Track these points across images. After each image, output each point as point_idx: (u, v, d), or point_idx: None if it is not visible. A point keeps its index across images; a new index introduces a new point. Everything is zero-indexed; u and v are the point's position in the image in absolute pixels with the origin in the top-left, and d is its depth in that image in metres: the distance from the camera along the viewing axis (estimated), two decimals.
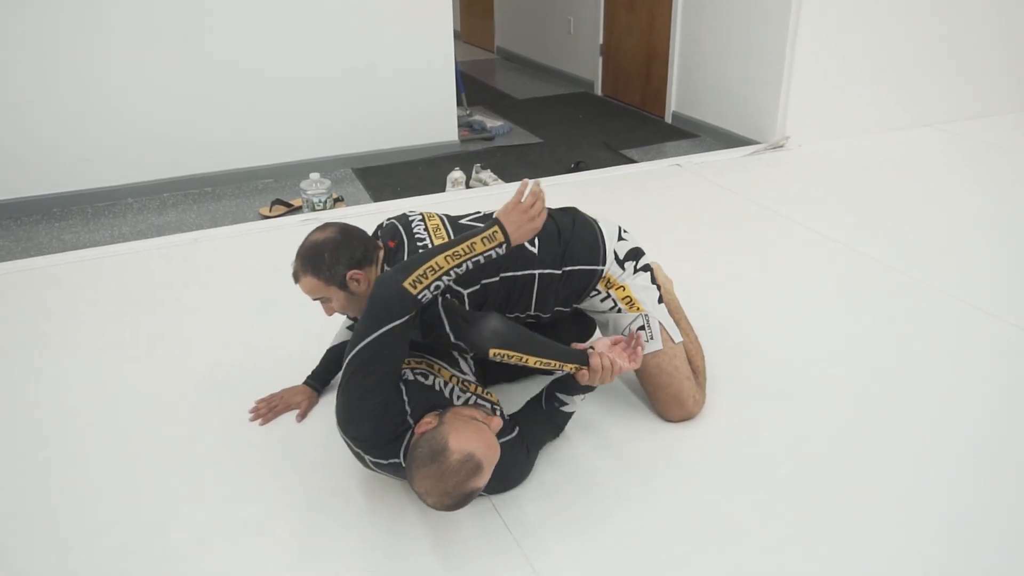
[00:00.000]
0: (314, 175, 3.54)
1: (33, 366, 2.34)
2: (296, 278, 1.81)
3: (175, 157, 3.84)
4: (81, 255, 3.08)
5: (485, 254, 1.63)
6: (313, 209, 3.50)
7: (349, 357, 1.59)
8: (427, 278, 1.56)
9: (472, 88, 5.88)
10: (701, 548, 1.65)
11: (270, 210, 3.60)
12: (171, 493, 1.82)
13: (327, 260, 1.78)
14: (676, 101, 4.94)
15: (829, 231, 3.19)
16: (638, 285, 1.96)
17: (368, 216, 3.41)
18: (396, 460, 1.62)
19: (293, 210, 3.61)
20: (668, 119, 5.01)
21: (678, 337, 2.01)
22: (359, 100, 4.11)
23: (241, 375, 2.27)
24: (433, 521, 1.73)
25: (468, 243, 1.62)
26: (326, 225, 1.84)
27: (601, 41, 5.63)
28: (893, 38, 4.28)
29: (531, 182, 1.71)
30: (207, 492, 1.82)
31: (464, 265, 1.61)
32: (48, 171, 3.63)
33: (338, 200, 3.64)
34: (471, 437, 1.50)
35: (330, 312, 1.86)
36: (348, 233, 1.82)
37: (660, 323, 1.96)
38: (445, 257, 1.59)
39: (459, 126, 4.52)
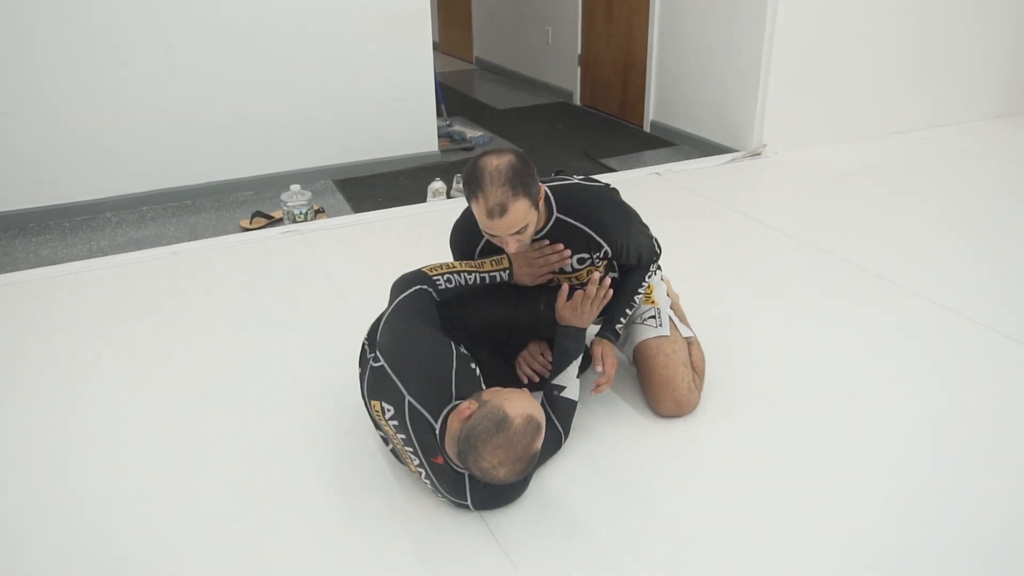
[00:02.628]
0: (295, 187, 3.53)
1: (12, 382, 2.31)
2: (501, 210, 1.70)
3: (154, 170, 3.82)
4: (59, 270, 3.05)
5: (491, 272, 1.96)
6: (294, 221, 3.49)
7: (391, 309, 1.84)
8: (442, 269, 1.93)
9: (452, 99, 5.90)
10: (688, 555, 1.66)
11: (251, 222, 3.58)
12: (155, 506, 1.81)
13: (530, 176, 1.74)
14: (654, 110, 4.98)
15: (807, 237, 3.22)
16: (656, 285, 2.23)
17: (350, 227, 3.41)
18: (430, 420, 1.67)
19: (274, 222, 3.60)
20: (647, 128, 5.05)
21: (687, 333, 2.19)
22: (339, 112, 4.11)
23: (224, 388, 2.26)
24: (418, 530, 1.73)
25: (481, 261, 1.98)
26: (493, 151, 1.79)
27: (579, 51, 5.67)
28: (867, 48, 4.35)
29: (547, 250, 1.94)
30: (192, 505, 1.81)
31: (474, 275, 1.94)
32: (24, 185, 3.59)
33: (319, 211, 3.64)
34: (522, 401, 1.60)
35: (518, 245, 1.79)
36: (520, 153, 1.79)
37: (669, 317, 2.14)
38: (463, 263, 1.97)
39: (439, 137, 4.53)
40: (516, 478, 1.58)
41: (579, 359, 1.94)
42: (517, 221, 1.72)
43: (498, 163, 1.72)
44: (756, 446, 1.99)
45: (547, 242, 1.95)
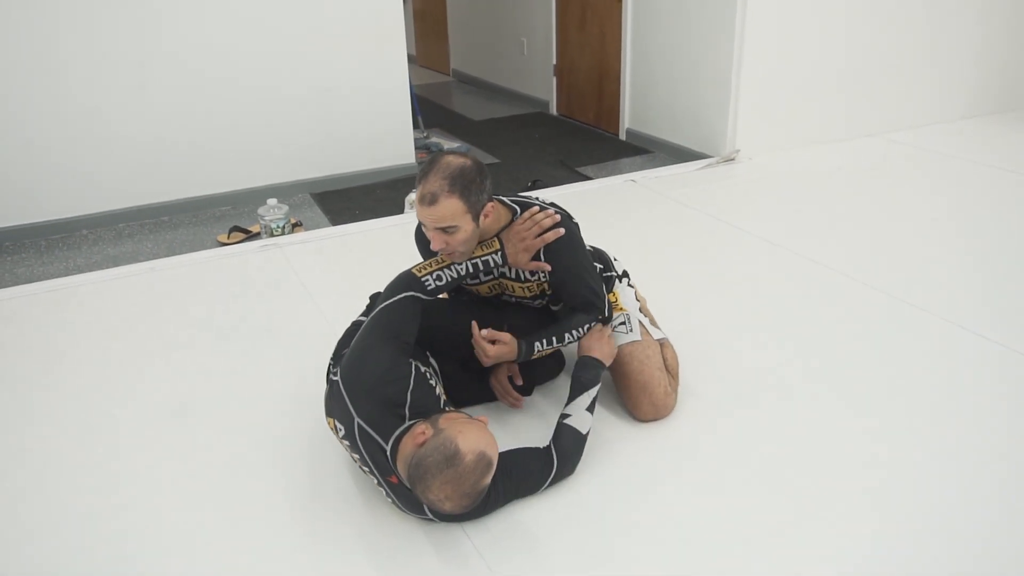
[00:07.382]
0: (272, 201, 3.53)
1: None
2: (431, 199, 1.72)
3: (130, 186, 3.81)
4: (35, 288, 3.03)
5: (483, 257, 1.90)
6: (272, 235, 3.49)
7: (371, 316, 1.81)
8: (431, 267, 1.88)
9: (428, 111, 5.92)
10: (662, 558, 1.68)
11: (228, 237, 3.58)
12: (129, 519, 1.81)
13: (477, 185, 1.75)
14: (629, 118, 5.03)
15: (781, 240, 3.27)
16: (623, 292, 2.23)
17: (328, 240, 3.41)
18: (382, 444, 1.66)
19: (251, 236, 3.60)
20: (622, 136, 5.10)
21: (658, 335, 2.20)
22: (316, 125, 4.12)
23: (203, 403, 2.26)
24: (394, 538, 1.73)
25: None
26: (455, 151, 1.80)
27: (554, 61, 5.71)
28: (836, 52, 4.42)
29: (537, 214, 1.92)
30: (166, 519, 1.81)
31: (464, 265, 1.89)
32: None
33: (297, 225, 3.64)
34: (476, 436, 1.57)
35: (443, 245, 1.79)
36: (481, 164, 1.81)
37: (640, 321, 2.15)
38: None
39: (416, 148, 4.55)
40: (462, 511, 1.58)
41: (593, 392, 1.92)
42: (443, 217, 1.74)
43: (451, 161, 1.77)
44: (734, 447, 2.01)
45: (536, 208, 1.92)
